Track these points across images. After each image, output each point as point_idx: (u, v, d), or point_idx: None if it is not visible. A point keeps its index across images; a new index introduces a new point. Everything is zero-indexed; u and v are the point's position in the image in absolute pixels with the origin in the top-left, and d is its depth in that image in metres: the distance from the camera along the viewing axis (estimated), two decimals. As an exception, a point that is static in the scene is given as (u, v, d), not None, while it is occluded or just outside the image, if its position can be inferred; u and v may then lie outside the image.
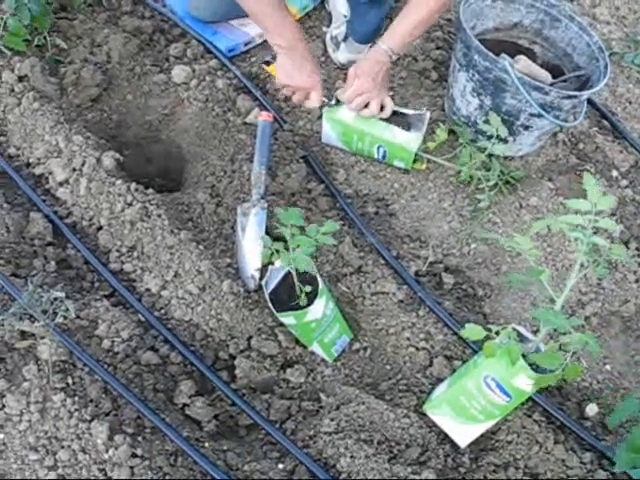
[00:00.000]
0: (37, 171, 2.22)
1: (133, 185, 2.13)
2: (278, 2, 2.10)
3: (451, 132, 2.42)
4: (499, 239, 1.92)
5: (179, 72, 2.45)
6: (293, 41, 2.14)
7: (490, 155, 2.30)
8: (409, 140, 2.29)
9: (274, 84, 2.43)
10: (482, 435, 1.85)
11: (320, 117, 2.42)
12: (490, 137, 2.23)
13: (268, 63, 2.54)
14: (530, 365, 1.66)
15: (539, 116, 2.24)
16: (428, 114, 2.33)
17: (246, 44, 2.62)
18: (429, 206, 2.34)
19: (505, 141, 2.28)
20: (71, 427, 1.72)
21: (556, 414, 1.96)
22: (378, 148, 2.34)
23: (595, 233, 1.60)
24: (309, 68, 2.19)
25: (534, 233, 1.79)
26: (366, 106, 2.27)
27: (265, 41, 2.61)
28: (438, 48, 2.72)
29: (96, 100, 2.43)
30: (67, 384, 1.79)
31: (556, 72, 2.40)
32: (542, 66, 2.37)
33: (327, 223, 1.83)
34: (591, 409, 2.04)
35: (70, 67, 2.41)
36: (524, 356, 1.67)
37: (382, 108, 2.29)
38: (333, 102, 2.32)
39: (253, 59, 2.61)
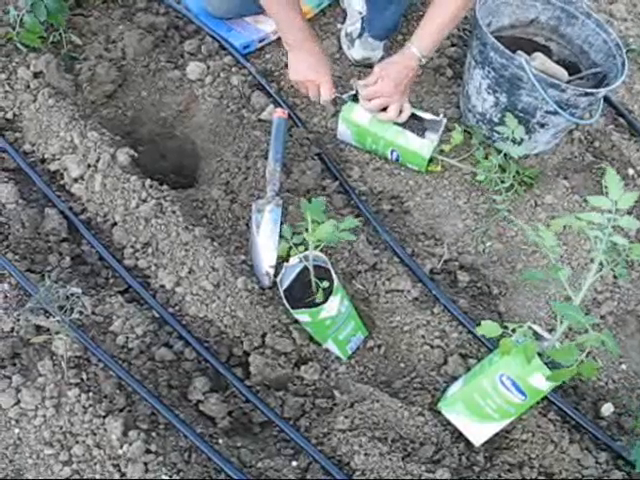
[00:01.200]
0: (52, 167, 2.23)
1: (148, 181, 2.13)
2: (286, 1, 2.16)
3: (466, 131, 2.41)
4: (523, 231, 1.89)
5: (194, 69, 2.45)
6: (300, 39, 2.23)
7: (505, 155, 2.29)
8: (422, 147, 2.28)
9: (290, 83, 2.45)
10: (497, 434, 1.84)
11: (335, 114, 2.42)
12: (506, 138, 2.23)
13: None
14: (546, 364, 1.65)
15: (555, 114, 2.22)
16: (445, 120, 2.32)
17: (260, 41, 2.61)
18: (444, 204, 2.33)
19: (521, 143, 2.27)
20: (86, 422, 1.73)
21: (571, 413, 1.94)
22: (392, 152, 2.33)
23: (614, 232, 1.59)
24: (315, 64, 2.25)
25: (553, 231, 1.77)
26: (385, 109, 2.26)
27: (279, 38, 2.61)
28: (453, 45, 2.71)
29: (111, 96, 2.43)
30: (82, 379, 1.80)
31: (572, 69, 2.39)
32: (558, 63, 2.35)
33: (346, 219, 1.82)
34: (607, 409, 2.03)
35: (85, 63, 2.41)
36: (540, 355, 1.66)
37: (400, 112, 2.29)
38: (353, 92, 2.31)
39: (268, 56, 2.60)
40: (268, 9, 2.23)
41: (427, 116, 2.33)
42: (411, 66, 2.23)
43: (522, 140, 2.25)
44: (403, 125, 2.29)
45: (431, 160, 2.33)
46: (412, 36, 2.24)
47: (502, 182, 2.27)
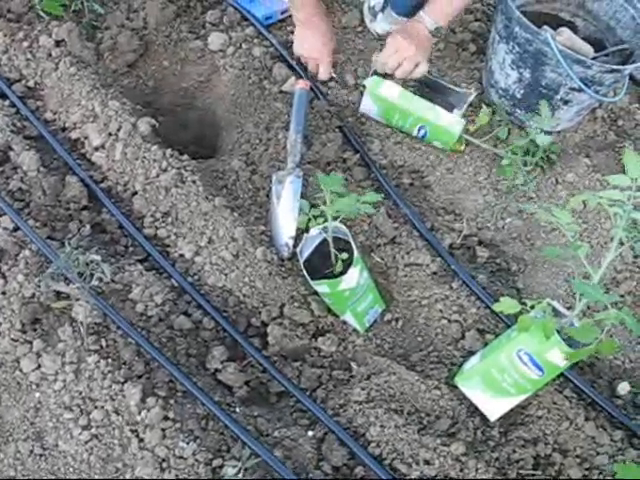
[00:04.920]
0: (73, 135, 2.23)
1: (168, 151, 2.13)
2: None
3: (487, 104, 2.40)
4: (537, 213, 1.90)
5: (215, 39, 2.44)
6: (309, 16, 2.33)
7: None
8: (453, 123, 2.26)
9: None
10: (512, 409, 1.85)
11: (356, 87, 2.41)
12: (530, 113, 2.21)
13: None
14: (564, 340, 1.65)
15: (579, 90, 2.20)
16: (474, 94, 2.31)
17: (282, 12, 2.58)
18: (464, 179, 2.32)
19: (549, 133, 2.25)
20: (105, 388, 1.75)
21: (587, 391, 1.94)
22: (419, 128, 2.31)
23: (634, 209, 1.58)
24: (318, 42, 2.36)
25: (570, 209, 1.77)
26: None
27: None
28: (477, 20, 2.68)
29: (132, 66, 2.43)
30: (101, 346, 1.82)
31: (598, 47, 2.35)
32: (583, 40, 2.32)
33: (369, 193, 1.82)
34: (623, 388, 2.02)
35: (107, 32, 2.41)
36: (558, 331, 1.66)
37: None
38: (371, 70, 2.33)
39: (290, 27, 2.57)
40: None
41: (455, 88, 2.34)
42: (421, 28, 2.27)
43: (550, 132, 2.24)
44: (432, 101, 2.29)
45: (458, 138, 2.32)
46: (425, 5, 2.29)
47: (525, 165, 2.26)
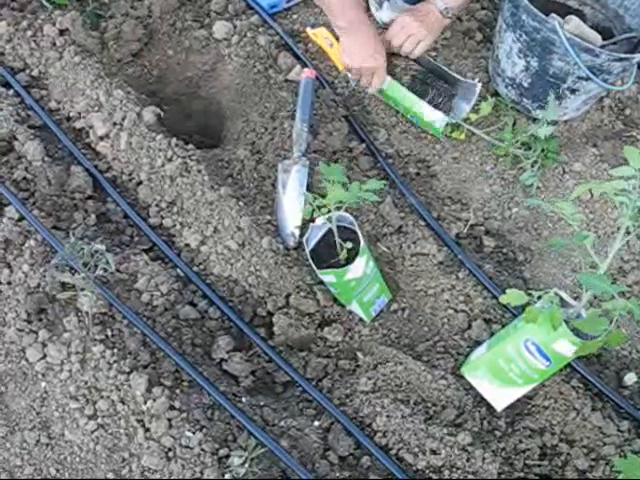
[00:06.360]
0: (78, 125, 2.22)
1: (173, 140, 2.12)
2: None
3: (492, 95, 2.38)
4: (541, 205, 1.89)
5: (220, 28, 2.42)
6: (354, 22, 2.16)
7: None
8: (435, 120, 2.26)
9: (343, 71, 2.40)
10: (518, 399, 1.84)
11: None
12: (537, 102, 2.18)
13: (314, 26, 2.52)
14: (571, 331, 1.64)
15: (587, 79, 2.18)
16: (479, 86, 2.29)
17: (288, 1, 2.57)
18: (471, 168, 2.31)
19: (554, 123, 2.23)
20: (110, 378, 1.75)
21: (594, 382, 1.94)
22: (411, 117, 2.33)
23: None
24: (372, 50, 2.20)
25: (576, 198, 1.76)
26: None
27: (307, -1, 2.59)
28: (483, 9, 2.65)
29: (137, 55, 2.42)
30: (106, 336, 1.81)
31: (606, 35, 2.33)
32: (591, 28, 2.30)
33: (370, 181, 1.81)
34: (630, 378, 2.02)
35: (111, 21, 2.40)
36: (565, 322, 1.65)
37: None
38: None
39: (295, 16, 2.56)
40: None
41: (461, 78, 2.32)
42: (432, 9, 2.23)
43: (555, 122, 2.22)
44: (420, 96, 2.27)
45: (455, 128, 2.31)
46: None
47: (527, 159, 2.24)
